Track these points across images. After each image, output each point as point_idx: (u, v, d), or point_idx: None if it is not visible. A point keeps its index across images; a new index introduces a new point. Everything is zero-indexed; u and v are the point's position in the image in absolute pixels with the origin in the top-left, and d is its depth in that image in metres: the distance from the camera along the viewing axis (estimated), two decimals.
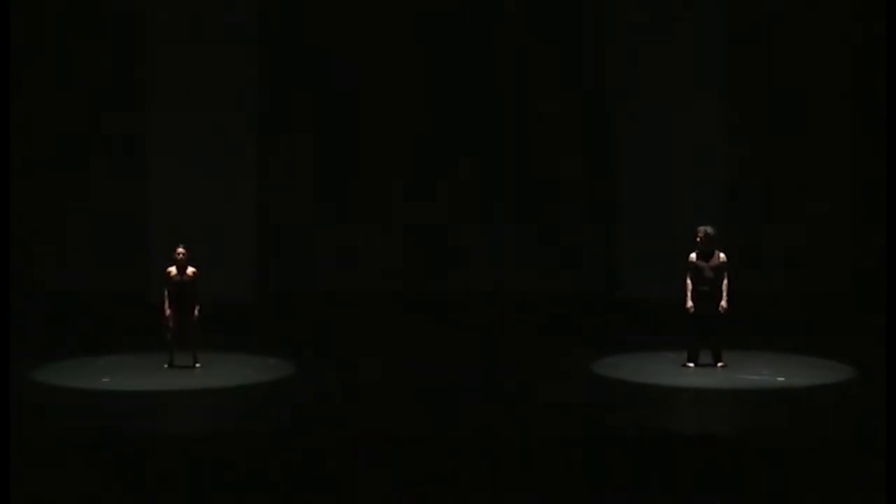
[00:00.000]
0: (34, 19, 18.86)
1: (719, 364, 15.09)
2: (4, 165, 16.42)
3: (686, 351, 15.15)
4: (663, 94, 19.15)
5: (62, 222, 19.52)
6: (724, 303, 14.89)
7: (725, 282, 14.93)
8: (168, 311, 14.88)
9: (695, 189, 19.00)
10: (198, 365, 14.96)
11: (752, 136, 19.54)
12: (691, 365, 15.12)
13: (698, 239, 14.98)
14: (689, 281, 15.02)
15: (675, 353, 15.34)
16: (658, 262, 18.30)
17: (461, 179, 19.95)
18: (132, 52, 19.20)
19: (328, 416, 12.92)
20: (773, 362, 15.36)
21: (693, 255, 15.04)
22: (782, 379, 14.58)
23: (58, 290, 18.99)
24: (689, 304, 14.98)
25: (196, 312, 14.85)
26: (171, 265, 14.96)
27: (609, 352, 15.81)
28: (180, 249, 14.87)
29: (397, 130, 19.85)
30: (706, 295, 14.93)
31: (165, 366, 14.95)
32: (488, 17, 19.68)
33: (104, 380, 14.32)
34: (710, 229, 15.00)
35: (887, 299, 16.82)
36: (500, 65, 19.72)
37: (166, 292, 14.96)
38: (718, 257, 14.99)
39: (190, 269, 14.91)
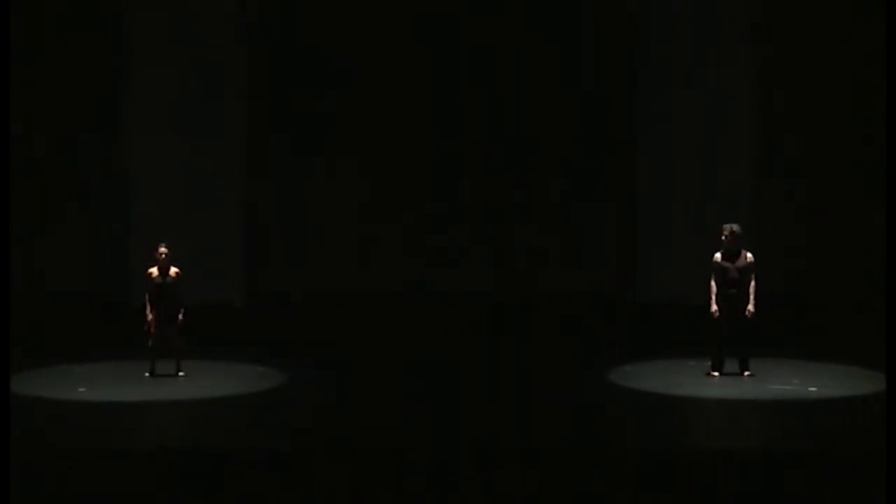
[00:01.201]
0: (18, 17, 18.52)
1: (746, 373, 14.62)
2: (3, 171, 16.30)
3: (710, 359, 14.68)
4: (684, 87, 19.12)
5: (34, 221, 19.17)
6: (750, 306, 14.47)
7: (752, 284, 14.52)
8: (150, 316, 14.52)
9: (718, 186, 18.85)
10: (181, 374, 14.60)
11: (779, 131, 19.49)
12: (715, 374, 14.67)
13: (723, 237, 14.55)
14: (713, 283, 14.59)
15: (698, 360, 14.96)
16: (679, 263, 18.05)
17: (465, 180, 19.98)
18: (117, 49, 19.16)
19: (323, 428, 12.56)
20: (804, 371, 14.96)
21: (717, 255, 14.61)
22: (814, 389, 14.11)
23: (28, 293, 18.59)
24: (714, 308, 14.54)
25: (180, 317, 14.49)
26: (153, 266, 14.63)
27: (625, 359, 15.49)
28: (162, 248, 14.57)
29: (395, 130, 19.86)
30: (732, 298, 14.49)
31: (146, 374, 14.56)
32: (488, 17, 19.75)
33: (80, 390, 13.95)
34: (735, 227, 14.58)
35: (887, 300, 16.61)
36: (500, 65, 19.80)
37: (147, 295, 14.61)
38: (745, 257, 14.58)
39: (173, 270, 14.62)
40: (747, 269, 14.44)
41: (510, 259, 19.81)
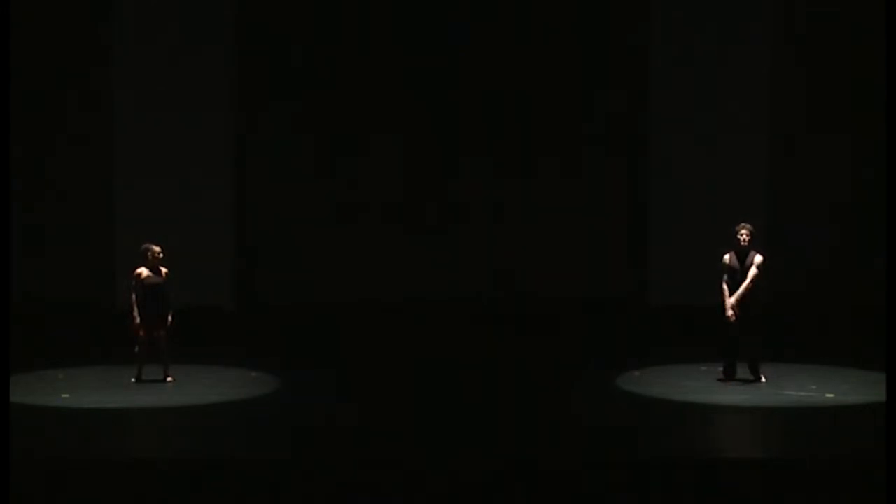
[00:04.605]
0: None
1: (760, 378, 14.33)
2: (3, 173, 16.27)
3: (722, 364, 14.43)
4: (696, 86, 19.12)
5: (15, 220, 18.91)
6: (732, 299, 14.11)
7: (747, 282, 14.14)
8: (138, 319, 14.29)
9: (731, 186, 18.79)
10: (169, 379, 14.42)
11: (792, 132, 19.42)
12: (727, 379, 14.36)
13: (739, 237, 14.28)
14: (725, 286, 14.31)
15: (710, 365, 14.81)
16: (691, 264, 17.79)
17: (470, 181, 19.85)
18: (104, 45, 19.10)
19: (318, 436, 12.30)
20: (821, 376, 14.74)
21: (727, 257, 14.38)
22: (831, 395, 13.81)
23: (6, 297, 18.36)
24: (729, 312, 14.23)
25: (169, 319, 14.31)
26: (142, 266, 14.41)
27: (634, 364, 15.36)
28: (157, 248, 14.42)
29: (393, 132, 19.75)
30: (742, 300, 14.19)
31: (132, 380, 14.36)
32: (487, 17, 19.71)
33: (63, 396, 13.78)
34: (750, 227, 14.35)
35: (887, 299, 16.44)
36: (500, 63, 19.70)
37: (134, 297, 14.38)
38: (753, 258, 14.29)
39: (163, 270, 14.48)
40: (750, 268, 14.16)
41: (515, 262, 19.63)
